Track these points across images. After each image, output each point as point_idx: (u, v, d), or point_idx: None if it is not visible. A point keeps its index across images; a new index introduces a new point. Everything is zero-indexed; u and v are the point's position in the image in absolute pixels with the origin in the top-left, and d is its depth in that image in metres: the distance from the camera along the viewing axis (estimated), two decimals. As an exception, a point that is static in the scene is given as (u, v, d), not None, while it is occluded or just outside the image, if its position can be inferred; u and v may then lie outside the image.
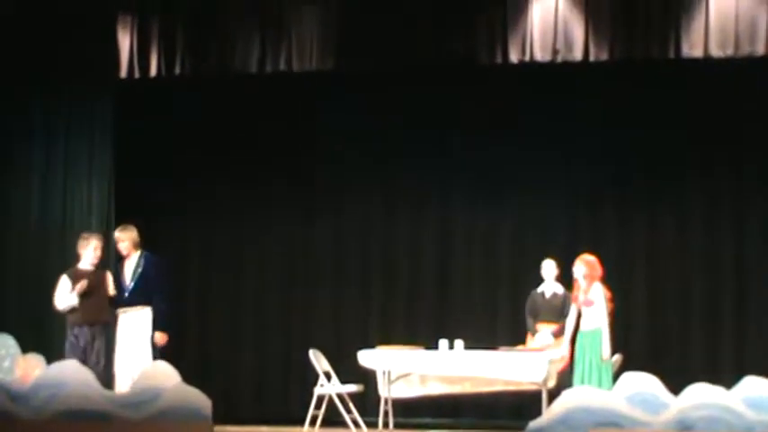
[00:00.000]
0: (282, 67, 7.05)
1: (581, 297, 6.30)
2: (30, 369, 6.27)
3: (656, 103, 7.31)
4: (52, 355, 6.26)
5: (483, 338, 6.69)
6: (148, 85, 7.37)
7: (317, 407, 6.70)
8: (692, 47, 6.54)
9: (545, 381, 6.12)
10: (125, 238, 6.38)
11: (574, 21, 6.72)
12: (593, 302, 6.24)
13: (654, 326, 7.36)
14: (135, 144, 7.62)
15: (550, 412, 4.28)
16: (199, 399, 4.66)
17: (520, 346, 6.60)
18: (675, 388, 4.47)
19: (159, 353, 6.15)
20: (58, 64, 7.28)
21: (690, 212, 7.38)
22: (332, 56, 6.99)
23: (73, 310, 6.10)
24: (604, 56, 6.68)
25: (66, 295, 6.12)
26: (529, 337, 6.71)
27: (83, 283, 6.07)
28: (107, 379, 5.87)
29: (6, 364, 6.60)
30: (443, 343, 6.43)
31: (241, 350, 7.81)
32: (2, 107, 7.37)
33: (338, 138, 7.72)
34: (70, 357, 5.82)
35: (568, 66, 6.82)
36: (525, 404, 6.33)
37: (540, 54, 6.74)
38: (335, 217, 7.83)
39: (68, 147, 7.39)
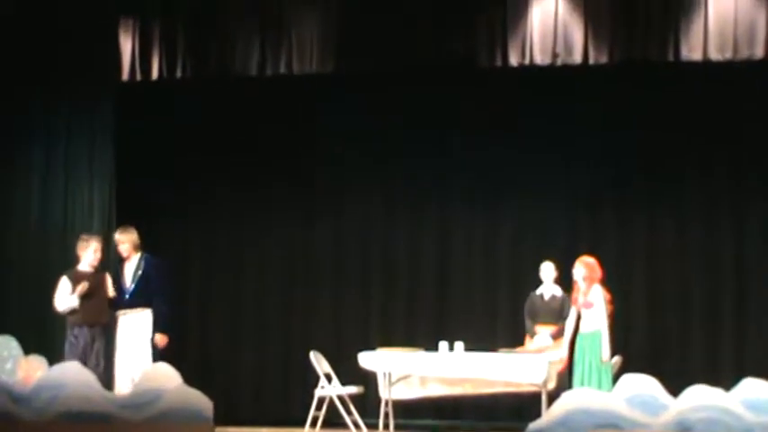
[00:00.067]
0: (283, 69, 7.06)
1: (581, 299, 6.32)
2: (32, 371, 6.28)
3: (656, 105, 7.33)
4: (54, 356, 6.27)
5: (483, 340, 6.70)
6: (149, 87, 7.39)
7: (318, 408, 6.72)
8: (691, 50, 6.55)
9: (545, 382, 6.13)
10: (125, 240, 6.39)
11: (573, 24, 6.74)
12: (592, 304, 6.26)
13: (653, 328, 7.37)
14: (136, 146, 7.63)
15: (550, 414, 4.30)
16: (200, 400, 4.69)
17: (519, 348, 6.62)
18: (675, 390, 4.49)
19: (159, 355, 6.16)
20: (59, 66, 7.28)
21: (689, 214, 7.39)
22: (332, 58, 7.00)
23: (73, 311, 6.12)
24: (604, 59, 6.70)
25: (66, 297, 6.14)
26: (527, 338, 6.73)
27: (84, 285, 6.09)
28: (106, 380, 5.88)
29: (8, 365, 6.61)
30: (443, 345, 6.45)
31: (242, 352, 7.82)
32: (3, 108, 7.37)
33: (338, 139, 7.74)
34: (70, 359, 5.83)
35: (568, 69, 6.84)
36: (525, 406, 6.35)
37: (540, 57, 6.76)
38: (336, 218, 7.84)
39: (69, 149, 7.40)
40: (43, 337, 6.65)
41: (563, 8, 6.75)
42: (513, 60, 6.81)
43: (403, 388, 6.55)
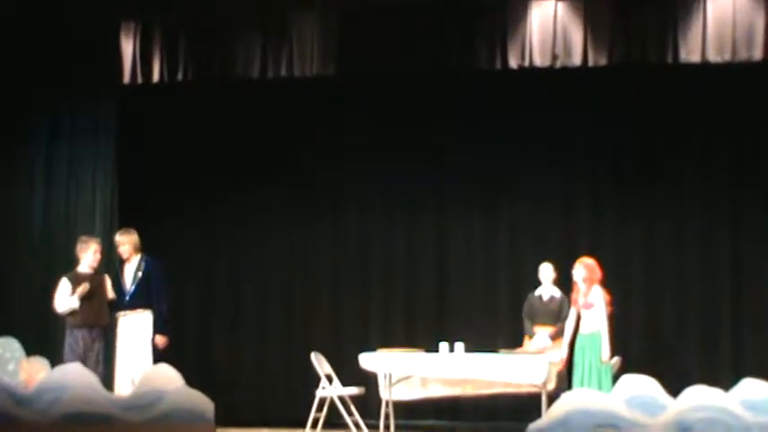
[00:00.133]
0: (284, 72, 7.08)
1: (580, 300, 6.34)
2: (34, 372, 6.29)
3: (654, 107, 7.35)
4: (56, 358, 6.28)
5: (483, 341, 6.73)
6: (151, 90, 7.41)
7: (319, 409, 6.74)
8: (690, 52, 6.57)
9: (545, 383, 6.15)
10: (126, 242, 6.42)
11: (573, 26, 6.76)
12: (592, 305, 6.28)
13: (652, 329, 7.39)
14: (138, 148, 7.65)
15: (550, 414, 4.31)
16: (201, 401, 4.70)
17: (518, 349, 6.64)
18: (674, 390, 4.51)
19: (159, 356, 6.17)
20: (61, 69, 7.29)
21: (688, 215, 7.41)
22: (332, 61, 7.02)
23: (72, 313, 6.13)
24: (603, 61, 6.72)
25: (66, 298, 6.15)
26: (526, 339, 6.76)
27: (84, 286, 6.11)
28: (106, 382, 5.90)
29: (11, 367, 6.62)
30: (444, 346, 6.47)
31: (243, 353, 7.83)
32: (6, 111, 7.39)
33: (338, 142, 7.76)
34: (69, 360, 5.84)
35: (567, 71, 6.86)
36: (525, 406, 6.36)
37: (540, 60, 6.78)
38: (336, 220, 7.86)
39: (72, 152, 7.42)
40: (45, 338, 6.67)
41: (562, 11, 6.77)
42: (513, 62, 6.83)
43: (403, 389, 6.57)
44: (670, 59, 6.62)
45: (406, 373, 6.50)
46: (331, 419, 6.81)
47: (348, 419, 6.74)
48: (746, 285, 7.25)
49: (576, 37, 6.74)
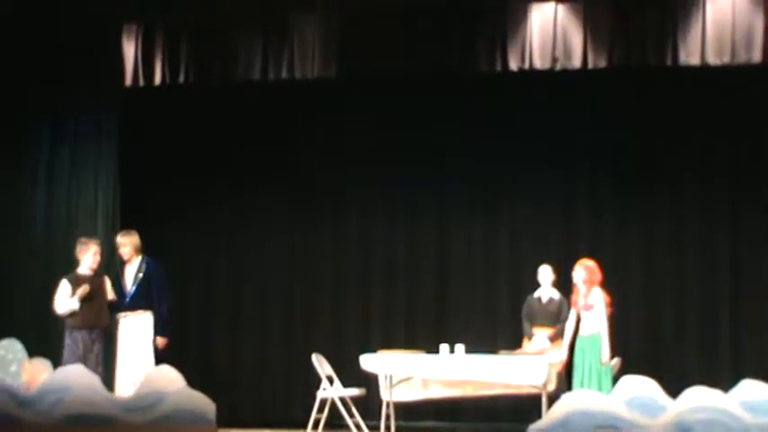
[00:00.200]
0: (285, 74, 7.10)
1: (581, 301, 6.37)
2: (36, 374, 6.30)
3: (654, 109, 7.37)
4: (58, 359, 6.29)
5: (483, 342, 6.75)
6: (153, 93, 7.42)
7: (320, 410, 6.76)
8: (689, 55, 6.59)
9: (545, 384, 6.17)
10: (126, 243, 6.44)
11: (572, 29, 6.78)
12: (592, 307, 6.30)
13: (652, 330, 7.41)
14: (140, 151, 7.67)
15: (550, 415, 4.32)
16: (203, 402, 4.71)
17: (518, 351, 6.66)
18: (673, 391, 4.52)
19: (159, 357, 6.19)
20: (64, 72, 7.30)
21: (687, 217, 7.43)
22: (333, 63, 7.04)
23: (72, 314, 6.15)
24: (603, 63, 6.73)
25: (66, 300, 6.17)
26: (525, 341, 6.78)
27: (84, 288, 6.13)
28: (106, 383, 5.91)
29: (13, 368, 6.64)
30: (444, 347, 6.49)
31: (244, 354, 7.84)
32: (8, 114, 7.41)
33: (339, 144, 7.78)
34: (69, 362, 5.86)
35: (567, 73, 6.88)
36: (525, 407, 6.38)
37: (540, 62, 6.80)
38: (336, 222, 7.88)
39: (74, 153, 7.44)
40: (47, 339, 6.68)
41: (562, 13, 6.79)
42: (513, 65, 6.85)
43: (404, 390, 6.58)
44: (669, 62, 6.64)
45: (406, 374, 6.52)
46: (332, 420, 6.83)
47: (349, 420, 6.76)
48: (745, 287, 7.27)
49: (576, 39, 6.76)
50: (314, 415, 6.76)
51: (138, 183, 7.62)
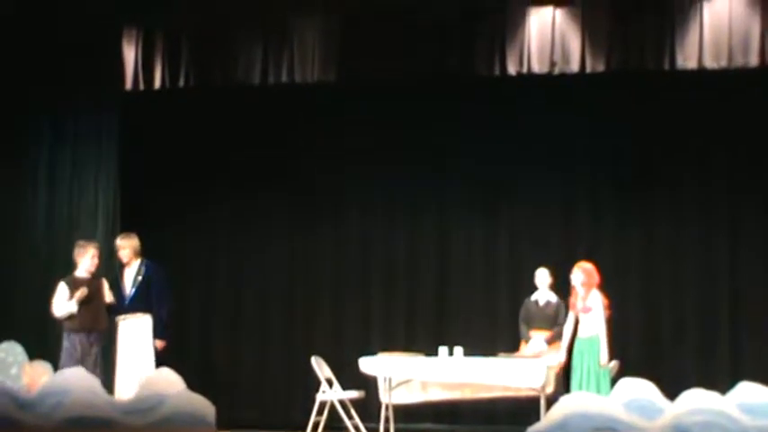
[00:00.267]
0: (285, 78, 7.13)
1: (579, 304, 6.39)
2: (36, 376, 6.31)
3: (652, 113, 7.39)
4: (59, 362, 6.30)
5: (481, 345, 6.77)
6: (153, 96, 7.45)
7: (319, 413, 6.78)
8: (687, 58, 6.62)
9: (543, 387, 6.19)
10: (126, 246, 6.45)
11: (570, 33, 6.81)
12: (590, 309, 6.33)
13: (650, 332, 7.43)
14: (140, 154, 7.69)
15: (549, 418, 4.33)
16: (203, 405, 4.71)
17: (517, 353, 6.68)
18: (671, 394, 4.54)
19: (158, 360, 6.20)
20: (64, 76, 7.32)
21: (685, 220, 7.45)
22: (333, 66, 7.07)
23: (70, 317, 6.16)
24: (601, 67, 6.76)
25: (64, 302, 6.18)
26: (522, 344, 6.80)
27: (82, 291, 6.14)
28: (104, 386, 5.92)
29: (13, 371, 6.64)
30: (443, 350, 6.51)
31: (244, 357, 7.86)
32: (10, 117, 7.42)
33: (339, 148, 7.80)
34: (66, 365, 5.89)
35: (565, 77, 6.91)
36: (524, 410, 6.40)
37: (538, 66, 6.83)
38: (336, 226, 7.90)
39: (75, 157, 7.46)
40: (48, 342, 6.69)
41: (560, 18, 6.81)
42: (512, 69, 6.88)
43: (403, 392, 6.60)
44: (667, 66, 6.67)
45: (405, 376, 6.54)
46: (331, 423, 6.85)
47: (348, 423, 6.78)
48: (744, 290, 7.29)
49: (574, 44, 6.79)
50: (313, 417, 6.77)
51: (139, 186, 7.64)
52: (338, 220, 7.90)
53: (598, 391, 6.04)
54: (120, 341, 6.40)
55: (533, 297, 6.86)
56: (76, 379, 4.76)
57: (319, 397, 6.81)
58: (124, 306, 6.38)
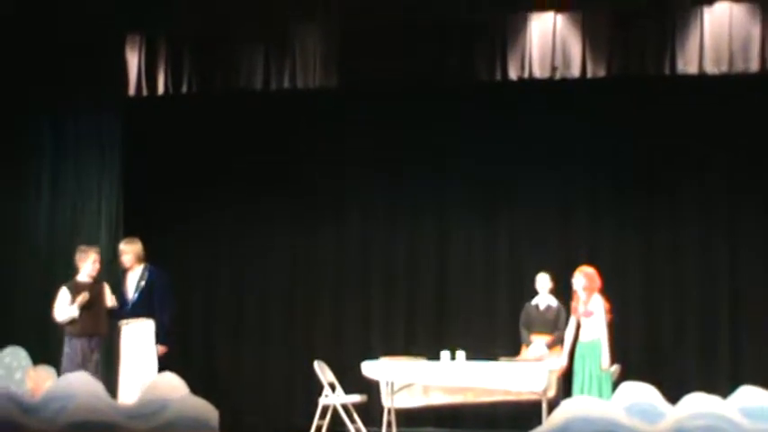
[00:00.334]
0: (286, 84, 7.16)
1: (580, 308, 6.41)
2: (40, 381, 6.34)
3: (652, 118, 7.41)
4: (61, 367, 6.33)
5: (481, 346, 6.81)
6: (156, 102, 7.48)
7: (322, 416, 6.80)
8: (687, 64, 6.64)
9: (545, 390, 6.21)
10: (128, 251, 6.47)
11: (571, 38, 6.83)
12: (592, 313, 6.35)
13: (651, 336, 7.45)
14: (143, 160, 7.72)
15: (550, 422, 4.33)
16: (206, 409, 4.71)
17: (518, 357, 6.70)
18: (673, 398, 4.56)
19: (163, 364, 6.22)
20: (68, 82, 7.34)
21: (686, 224, 7.48)
22: (334, 72, 7.10)
23: (71, 321, 6.17)
24: (601, 72, 6.78)
25: (65, 307, 6.19)
26: (523, 348, 6.82)
27: (84, 296, 6.15)
28: (107, 390, 5.93)
29: (18, 375, 6.67)
30: (445, 354, 6.53)
31: (247, 361, 7.88)
32: (13, 124, 7.44)
33: (340, 153, 7.83)
34: (67, 370, 5.89)
35: (566, 82, 6.93)
36: (525, 414, 6.42)
37: (539, 71, 6.85)
38: (337, 231, 7.93)
39: (78, 163, 7.47)
40: (51, 347, 6.70)
41: (561, 23, 6.84)
42: (513, 74, 6.90)
43: (405, 396, 6.62)
44: (668, 71, 6.69)
45: (407, 381, 6.56)
46: (334, 427, 6.87)
47: (351, 427, 6.80)
48: (744, 293, 7.31)
49: (575, 49, 6.81)
50: (316, 421, 6.79)
51: (142, 191, 7.67)
52: (339, 225, 7.93)
53: (599, 395, 6.05)
54: (122, 346, 6.41)
55: (534, 301, 6.88)
56: (80, 384, 4.77)
57: (322, 401, 6.82)
58: (126, 311, 6.40)
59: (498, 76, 6.94)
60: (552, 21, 6.85)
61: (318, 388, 6.89)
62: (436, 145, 7.71)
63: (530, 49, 6.86)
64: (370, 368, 6.57)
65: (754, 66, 6.56)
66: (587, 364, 6.28)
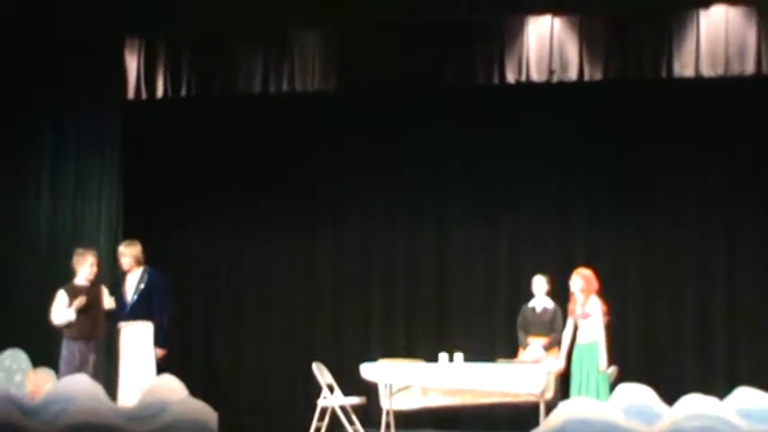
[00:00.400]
0: (285, 87, 7.18)
1: (578, 310, 6.44)
2: (40, 383, 6.34)
3: (649, 120, 7.44)
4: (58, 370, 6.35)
5: (481, 347, 6.84)
6: (155, 105, 7.50)
7: (321, 419, 6.81)
8: (684, 67, 6.67)
9: (542, 392, 6.23)
10: (127, 254, 6.46)
11: (568, 42, 6.86)
12: (589, 315, 6.37)
13: (649, 338, 7.47)
14: (142, 163, 7.74)
15: (548, 423, 4.35)
16: (205, 412, 4.72)
17: (515, 359, 6.73)
18: (670, 399, 4.58)
19: (163, 366, 6.22)
20: (68, 82, 7.34)
21: (682, 226, 7.50)
22: (333, 76, 7.12)
23: (69, 325, 6.17)
24: (598, 76, 6.81)
25: (62, 311, 6.19)
26: (521, 350, 6.85)
27: (81, 300, 6.15)
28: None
29: (17, 378, 6.68)
30: (443, 356, 6.56)
31: (246, 363, 7.90)
32: (13, 124, 7.45)
33: (339, 156, 7.85)
34: (65, 373, 5.89)
35: (564, 85, 6.95)
36: (523, 415, 6.44)
37: (537, 74, 6.88)
38: (337, 233, 7.94)
39: (78, 165, 7.49)
40: (51, 350, 6.70)
41: (558, 27, 6.87)
42: (510, 77, 6.93)
43: (404, 398, 6.64)
44: (664, 74, 6.72)
45: (406, 382, 6.58)
46: (332, 429, 6.88)
47: (349, 428, 6.81)
48: (741, 295, 7.33)
49: (572, 52, 6.84)
50: (315, 423, 6.81)
51: (141, 194, 7.68)
52: (339, 227, 7.94)
53: (597, 396, 6.08)
54: (122, 348, 6.41)
55: (530, 304, 6.91)
56: (80, 386, 4.77)
57: (320, 403, 6.84)
58: (125, 313, 6.40)
59: (496, 80, 6.96)
60: (549, 24, 6.88)
61: (317, 389, 6.90)
62: (436, 145, 7.73)
63: (527, 52, 6.89)
64: (368, 370, 6.59)
65: (750, 68, 6.59)
66: (585, 366, 6.31)
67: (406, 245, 7.89)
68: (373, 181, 7.82)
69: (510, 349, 6.90)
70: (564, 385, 6.45)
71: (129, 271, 6.47)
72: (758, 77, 6.65)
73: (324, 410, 6.82)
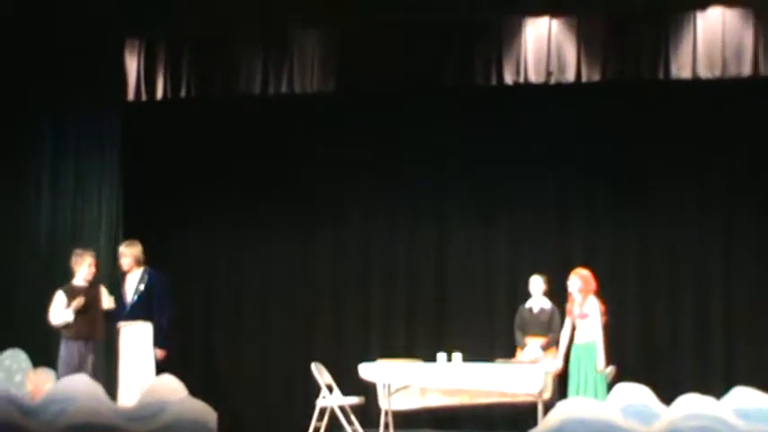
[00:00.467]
0: (285, 88, 7.19)
1: (576, 310, 6.46)
2: (40, 383, 6.35)
3: (647, 122, 7.46)
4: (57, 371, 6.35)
5: (480, 347, 6.86)
6: (155, 107, 7.51)
7: (320, 419, 6.83)
8: (681, 68, 6.68)
9: (540, 392, 6.25)
10: (127, 254, 6.48)
11: (566, 43, 6.88)
12: (587, 315, 6.40)
13: (646, 338, 7.49)
14: (143, 163, 7.74)
15: (546, 423, 4.36)
16: (205, 412, 4.73)
17: (512, 360, 6.75)
18: (667, 399, 4.60)
19: (163, 367, 6.23)
20: (68, 83, 7.34)
21: (680, 227, 7.52)
22: (333, 77, 7.14)
23: (67, 325, 6.18)
24: (596, 77, 6.83)
25: (60, 311, 6.20)
26: (518, 350, 6.87)
27: (79, 300, 6.15)
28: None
29: (17, 378, 6.69)
30: (442, 356, 6.57)
31: (245, 364, 7.91)
32: (13, 124, 7.45)
33: (338, 158, 7.86)
34: (63, 373, 5.90)
35: (561, 86, 6.97)
36: (521, 415, 6.46)
37: (534, 76, 6.90)
38: (336, 234, 7.95)
39: (78, 166, 7.49)
40: (51, 350, 6.69)
41: (556, 28, 6.88)
42: (509, 79, 6.94)
43: (402, 398, 6.66)
44: (662, 75, 6.73)
45: (404, 382, 6.60)
46: (331, 429, 6.90)
47: (348, 428, 6.83)
48: (739, 296, 7.35)
49: (570, 54, 6.85)
50: (314, 423, 6.82)
51: (141, 195, 7.69)
52: (338, 228, 7.96)
53: (595, 396, 6.10)
54: (121, 348, 6.42)
55: (527, 304, 6.93)
56: (80, 386, 4.78)
57: (319, 403, 6.86)
58: (125, 313, 6.40)
59: (494, 81, 6.97)
60: (547, 25, 6.89)
61: (316, 390, 6.92)
62: (436, 146, 7.74)
63: (525, 53, 6.90)
64: (366, 370, 6.61)
65: (747, 70, 6.61)
66: (583, 366, 6.33)
67: (406, 245, 7.90)
68: (373, 181, 7.84)
69: (510, 349, 6.92)
70: (562, 385, 6.48)
71: (128, 271, 6.48)
72: (755, 79, 6.67)
73: (323, 410, 6.84)
